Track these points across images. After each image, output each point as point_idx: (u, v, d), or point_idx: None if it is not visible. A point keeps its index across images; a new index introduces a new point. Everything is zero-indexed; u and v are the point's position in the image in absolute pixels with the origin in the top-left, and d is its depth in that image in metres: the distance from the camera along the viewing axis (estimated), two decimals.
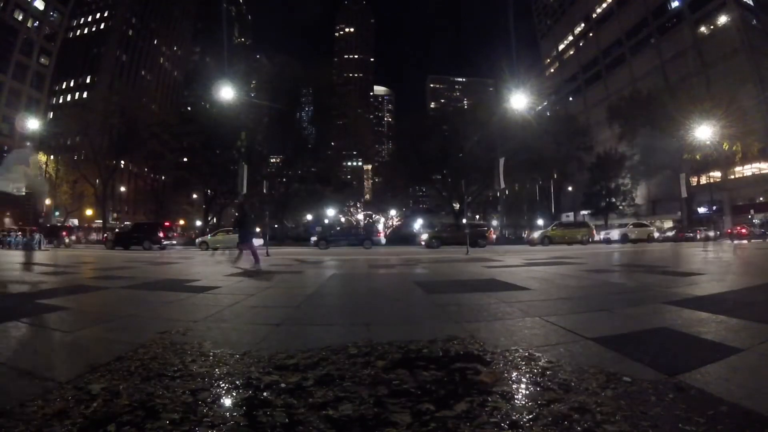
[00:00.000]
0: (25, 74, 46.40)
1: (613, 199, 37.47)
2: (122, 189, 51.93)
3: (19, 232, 20.26)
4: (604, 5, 60.11)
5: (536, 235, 22.70)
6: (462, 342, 1.97)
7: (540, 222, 47.56)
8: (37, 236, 17.91)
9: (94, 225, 44.15)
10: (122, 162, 43.30)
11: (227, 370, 1.59)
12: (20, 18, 45.32)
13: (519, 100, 24.13)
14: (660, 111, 30.45)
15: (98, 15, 61.50)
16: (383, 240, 21.09)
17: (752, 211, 38.75)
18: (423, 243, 19.13)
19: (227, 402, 1.31)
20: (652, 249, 13.53)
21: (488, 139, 29.80)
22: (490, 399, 1.28)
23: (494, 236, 21.93)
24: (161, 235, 18.58)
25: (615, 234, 23.63)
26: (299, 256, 12.11)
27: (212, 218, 41.13)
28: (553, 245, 19.82)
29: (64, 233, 22.81)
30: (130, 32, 63.01)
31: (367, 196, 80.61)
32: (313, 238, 21.74)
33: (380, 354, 1.78)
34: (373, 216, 68.62)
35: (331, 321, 2.67)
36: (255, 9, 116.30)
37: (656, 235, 24.96)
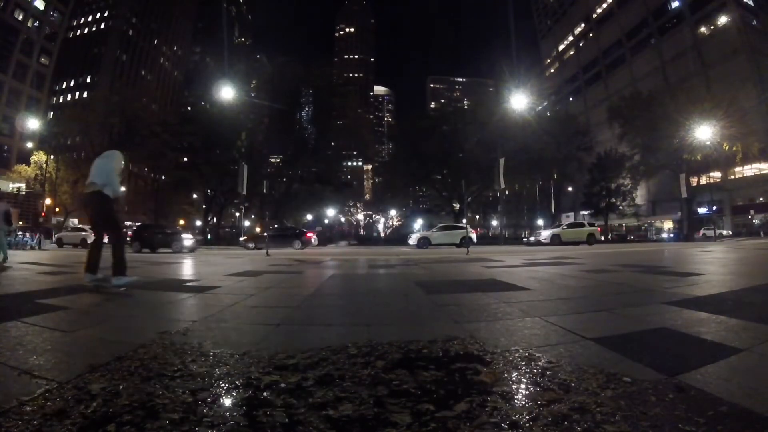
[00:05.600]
0: (25, 74, 46.44)
1: (613, 200, 37.43)
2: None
3: (21, 232, 20.23)
4: (605, 6, 60.14)
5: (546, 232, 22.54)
6: (462, 342, 1.97)
7: (540, 222, 47.42)
8: (37, 236, 18.00)
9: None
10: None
11: (227, 370, 1.59)
12: (20, 18, 45.38)
13: (519, 101, 24.22)
14: (660, 111, 30.42)
15: (98, 15, 61.56)
16: (315, 240, 21.48)
17: (752, 212, 38.73)
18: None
19: (227, 402, 1.31)
20: (654, 249, 13.53)
21: (488, 140, 29.82)
22: (490, 399, 1.28)
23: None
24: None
25: (545, 235, 22.56)
26: (296, 256, 12.18)
27: (212, 218, 41.09)
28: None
29: (35, 234, 22.52)
30: (130, 32, 63.05)
31: (367, 196, 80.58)
32: (242, 238, 21.41)
33: (380, 354, 1.78)
34: (373, 216, 68.62)
35: (330, 321, 2.67)
36: (255, 9, 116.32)
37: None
